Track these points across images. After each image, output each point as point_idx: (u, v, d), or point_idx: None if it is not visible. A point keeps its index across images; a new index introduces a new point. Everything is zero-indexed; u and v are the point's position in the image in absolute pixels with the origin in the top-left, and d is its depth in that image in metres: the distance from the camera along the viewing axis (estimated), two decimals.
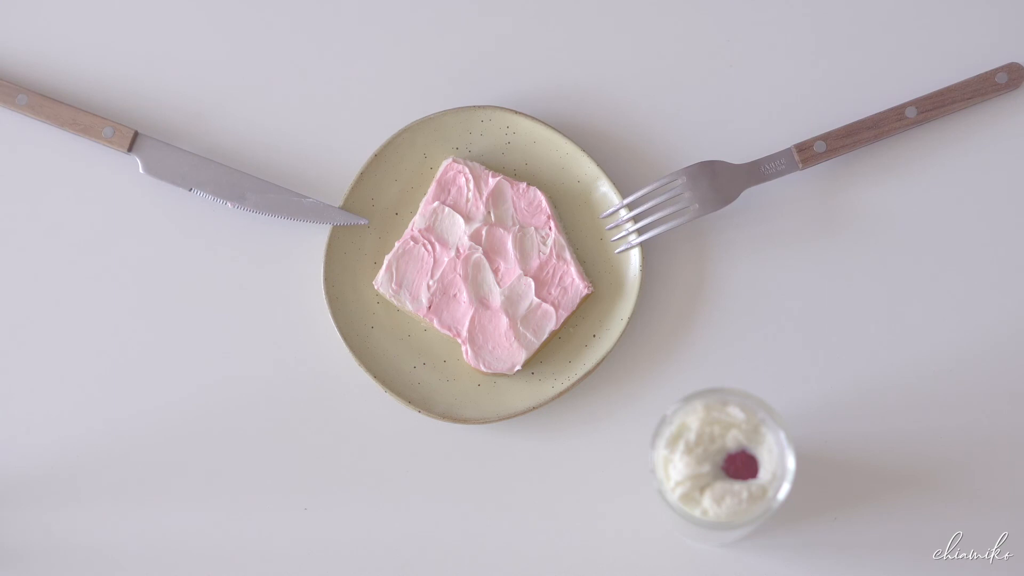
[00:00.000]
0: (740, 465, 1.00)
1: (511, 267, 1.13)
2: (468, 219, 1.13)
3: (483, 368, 1.11)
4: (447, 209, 1.13)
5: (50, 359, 1.14)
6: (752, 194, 1.13)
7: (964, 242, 1.13)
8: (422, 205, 1.13)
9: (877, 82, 1.15)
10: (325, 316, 1.12)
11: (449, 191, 1.13)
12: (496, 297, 1.12)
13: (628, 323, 1.11)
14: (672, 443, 1.00)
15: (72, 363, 1.14)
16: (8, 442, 1.13)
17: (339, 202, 1.13)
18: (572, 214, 1.14)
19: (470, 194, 1.13)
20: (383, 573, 1.11)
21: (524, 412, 1.10)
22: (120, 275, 1.14)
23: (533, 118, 1.14)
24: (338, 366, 1.12)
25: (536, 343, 1.11)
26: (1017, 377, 1.11)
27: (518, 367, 1.11)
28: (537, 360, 1.12)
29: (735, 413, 1.00)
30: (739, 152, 1.14)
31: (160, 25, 1.17)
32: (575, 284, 1.12)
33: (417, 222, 1.13)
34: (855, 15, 1.16)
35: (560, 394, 1.11)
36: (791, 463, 0.99)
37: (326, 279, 1.13)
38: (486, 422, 1.10)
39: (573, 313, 1.12)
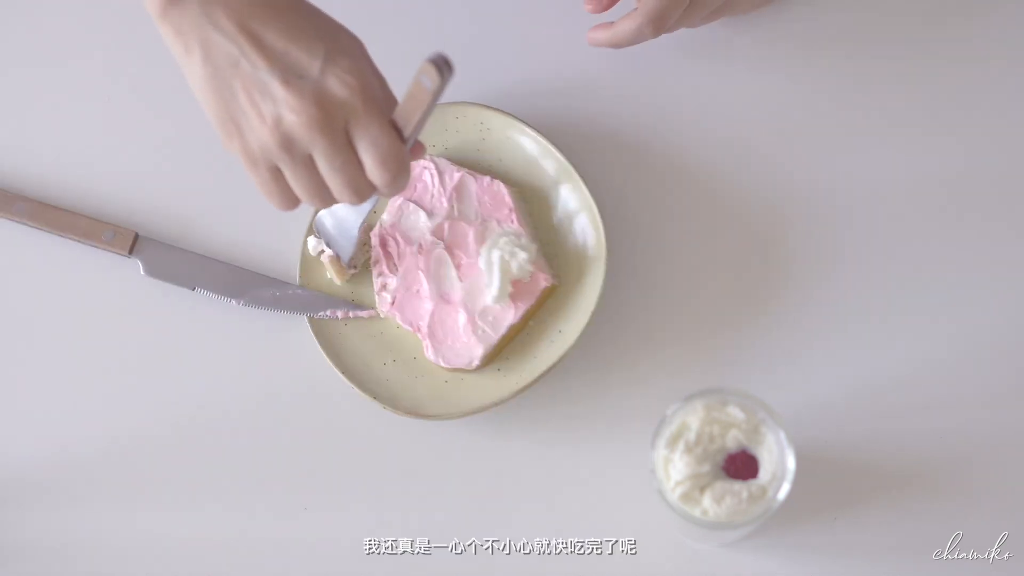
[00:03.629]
0: (740, 465, 1.00)
1: (472, 261, 1.12)
2: (431, 214, 1.13)
3: (442, 363, 1.11)
4: (411, 205, 1.13)
5: (55, 376, 1.14)
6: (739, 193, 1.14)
7: (964, 241, 1.13)
8: (388, 202, 1.14)
9: None
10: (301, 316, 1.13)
11: (415, 187, 1.13)
12: (456, 292, 1.12)
13: (607, 329, 1.11)
14: (672, 443, 1.00)
15: (73, 367, 1.14)
16: (8, 442, 1.13)
17: None
18: (544, 209, 1.14)
19: (435, 189, 1.13)
20: (383, 573, 1.11)
21: (487, 408, 1.10)
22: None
23: (506, 113, 1.14)
24: (326, 368, 1.12)
25: (494, 337, 1.11)
26: (1017, 377, 1.11)
27: (476, 362, 1.10)
28: (504, 356, 1.12)
29: (735, 413, 1.00)
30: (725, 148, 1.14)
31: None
32: (535, 276, 1.11)
33: (384, 219, 1.13)
34: None
35: (522, 389, 1.10)
36: (791, 463, 0.99)
37: (301, 276, 1.13)
38: (449, 417, 1.10)
39: (539, 308, 1.12)
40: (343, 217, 1.10)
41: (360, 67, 0.93)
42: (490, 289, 1.10)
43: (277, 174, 0.96)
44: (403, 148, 0.94)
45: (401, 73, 1.15)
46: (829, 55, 1.16)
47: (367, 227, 1.13)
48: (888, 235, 1.14)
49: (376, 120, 0.93)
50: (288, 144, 0.93)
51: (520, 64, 1.17)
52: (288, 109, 0.92)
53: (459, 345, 1.11)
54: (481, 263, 1.11)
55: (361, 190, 0.95)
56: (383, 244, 1.13)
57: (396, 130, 0.94)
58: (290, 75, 0.92)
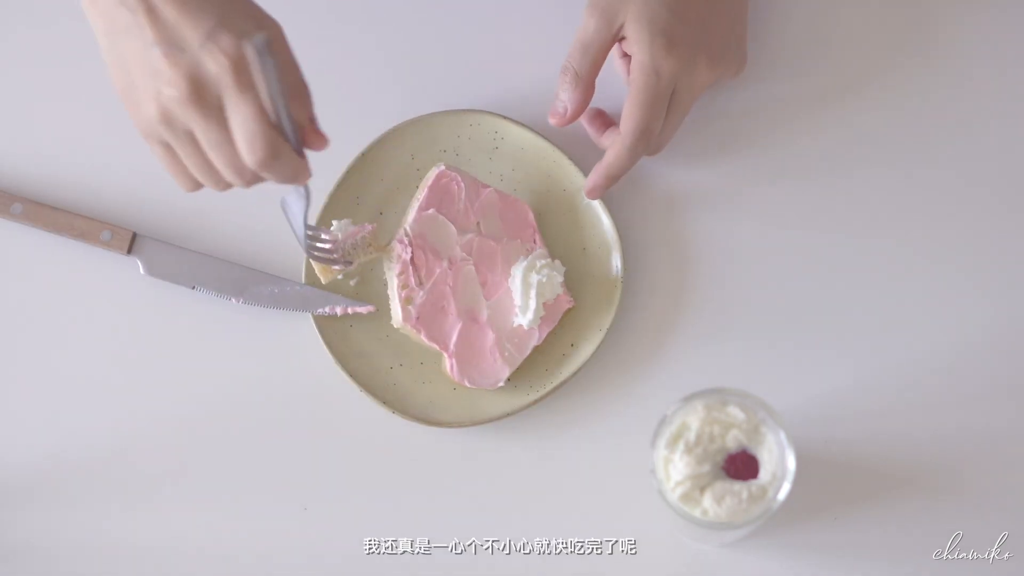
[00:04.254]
0: (740, 465, 1.00)
1: (498, 279, 1.12)
2: (460, 229, 1.12)
3: (467, 383, 1.10)
4: (440, 217, 1.12)
5: (54, 376, 1.14)
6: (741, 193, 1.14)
7: (965, 241, 1.13)
8: (415, 211, 1.12)
9: None
10: (307, 316, 1.12)
11: (441, 199, 1.13)
12: (483, 311, 1.11)
13: (608, 332, 1.11)
14: (672, 443, 1.00)
15: (72, 367, 1.14)
16: (8, 442, 1.13)
17: (323, 200, 1.13)
18: (557, 222, 1.14)
19: (461, 203, 1.12)
20: (383, 573, 1.11)
21: (497, 418, 1.10)
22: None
23: (521, 124, 1.14)
24: (328, 368, 1.12)
25: (519, 359, 1.10)
26: (1016, 377, 1.11)
27: (501, 383, 1.10)
28: None
29: (735, 413, 1.00)
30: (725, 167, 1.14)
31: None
32: (559, 299, 1.11)
33: (411, 228, 1.12)
34: None
35: (534, 403, 1.10)
36: (791, 463, 0.99)
37: (307, 276, 1.13)
38: (460, 426, 1.10)
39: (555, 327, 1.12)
40: (291, 207, 1.06)
41: (243, 45, 0.91)
42: (526, 313, 1.09)
43: (171, 151, 0.96)
44: (271, 130, 0.92)
45: (422, 78, 1.16)
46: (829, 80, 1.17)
47: (374, 230, 1.12)
48: (888, 236, 1.14)
49: (245, 99, 0.91)
50: (168, 118, 0.93)
51: (538, 74, 1.16)
52: (165, 82, 0.92)
53: (485, 365, 1.10)
54: (514, 284, 1.10)
55: (242, 171, 0.94)
56: (412, 256, 1.12)
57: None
58: (172, 48, 0.91)
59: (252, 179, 0.95)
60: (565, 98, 1.10)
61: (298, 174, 0.95)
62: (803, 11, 1.16)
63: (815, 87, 1.16)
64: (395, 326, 1.12)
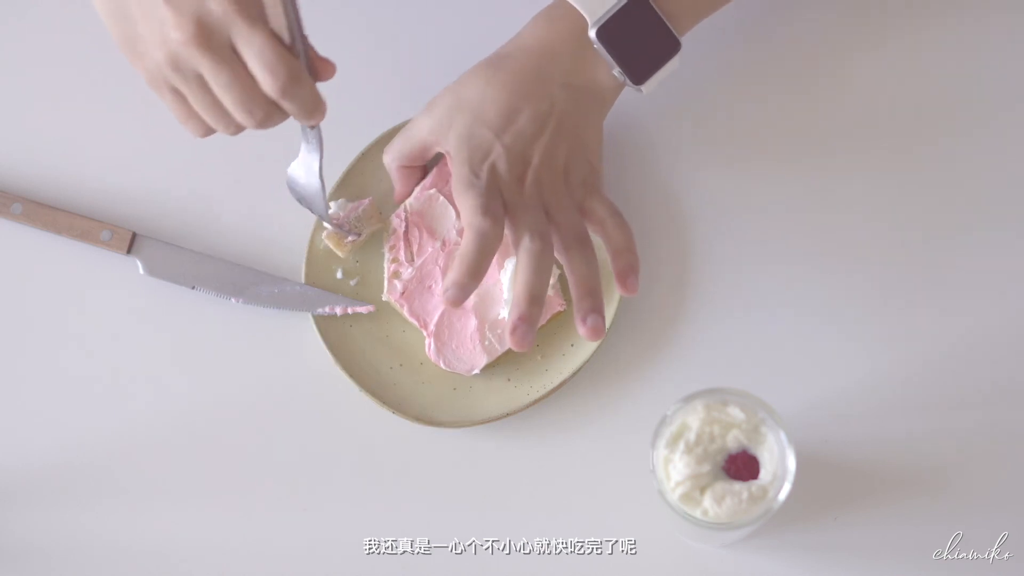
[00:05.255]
0: (741, 465, 1.00)
1: (491, 269, 1.12)
2: (460, 214, 1.12)
3: (442, 365, 1.10)
4: (441, 198, 1.12)
5: (54, 377, 1.14)
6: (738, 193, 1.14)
7: (965, 241, 1.13)
8: (418, 189, 1.13)
9: None
10: (307, 316, 1.12)
11: (447, 181, 1.13)
12: (471, 297, 1.12)
13: (608, 332, 1.10)
14: (672, 443, 1.00)
15: (72, 368, 1.14)
16: (7, 442, 1.13)
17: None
18: None
19: None
20: (383, 573, 1.11)
21: (497, 418, 1.10)
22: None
23: None
24: (328, 368, 1.12)
25: (499, 350, 1.11)
26: (1017, 377, 1.11)
27: (476, 371, 1.10)
28: (514, 366, 1.12)
29: (735, 413, 1.00)
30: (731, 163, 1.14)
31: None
32: (549, 299, 1.11)
33: (411, 204, 1.13)
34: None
35: (534, 402, 1.10)
36: (791, 463, 0.99)
37: (307, 276, 1.13)
38: (460, 426, 1.10)
39: (550, 322, 1.12)
40: (307, 165, 1.06)
41: None
42: (509, 306, 1.10)
43: (181, 96, 0.96)
44: (289, 54, 0.93)
45: (418, 80, 1.16)
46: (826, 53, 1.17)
47: (385, 211, 1.12)
48: (887, 236, 1.14)
49: (257, 30, 0.92)
50: (176, 63, 0.93)
51: None
52: (171, 27, 0.92)
53: (463, 351, 1.11)
54: (504, 277, 1.10)
55: (255, 107, 0.95)
56: (405, 231, 1.12)
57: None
58: None
59: (264, 117, 0.95)
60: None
61: (317, 104, 0.96)
62: (803, 10, 1.16)
63: (816, 86, 1.16)
64: (383, 299, 1.12)
